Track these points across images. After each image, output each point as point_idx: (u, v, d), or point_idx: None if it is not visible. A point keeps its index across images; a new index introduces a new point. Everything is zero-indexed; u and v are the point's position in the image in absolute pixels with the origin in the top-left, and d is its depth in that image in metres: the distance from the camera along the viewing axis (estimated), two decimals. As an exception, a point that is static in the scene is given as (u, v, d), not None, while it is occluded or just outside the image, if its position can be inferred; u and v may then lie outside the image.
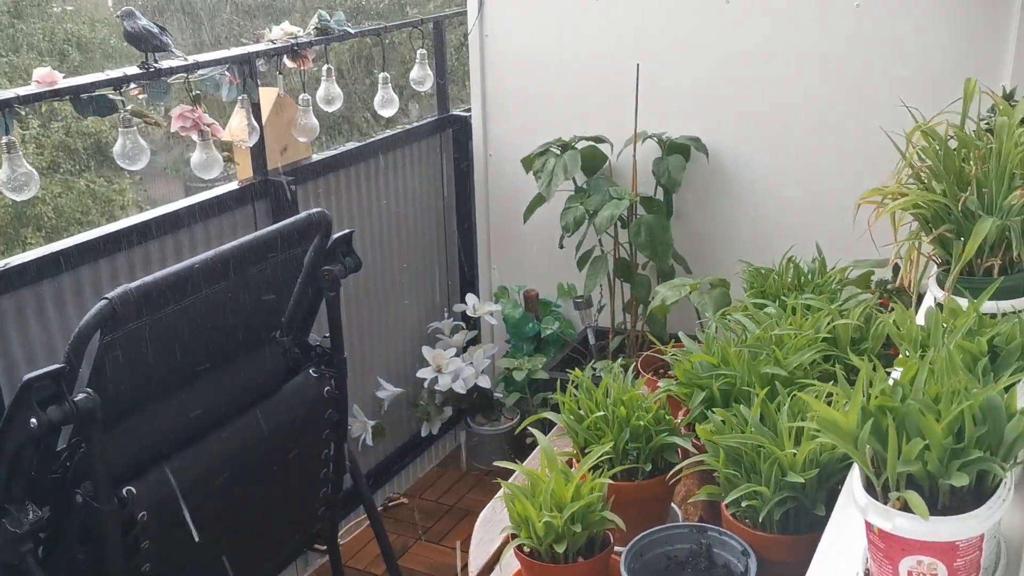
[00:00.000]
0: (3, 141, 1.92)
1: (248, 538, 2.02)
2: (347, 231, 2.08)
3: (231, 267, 1.80)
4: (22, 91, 1.96)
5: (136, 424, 1.75)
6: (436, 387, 3.14)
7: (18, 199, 1.96)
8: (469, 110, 3.29)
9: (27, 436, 1.51)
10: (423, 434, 3.28)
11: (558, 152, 2.86)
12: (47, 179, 9.17)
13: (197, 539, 1.79)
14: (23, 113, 2.01)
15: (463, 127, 3.34)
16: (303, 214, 1.97)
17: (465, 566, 1.61)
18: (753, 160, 2.86)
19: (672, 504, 1.40)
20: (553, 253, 3.04)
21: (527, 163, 2.91)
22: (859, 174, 2.14)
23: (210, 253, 1.75)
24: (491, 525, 1.47)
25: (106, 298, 1.54)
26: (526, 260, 3.29)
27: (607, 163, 2.96)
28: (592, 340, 3.12)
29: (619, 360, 1.60)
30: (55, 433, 1.60)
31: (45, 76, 2.02)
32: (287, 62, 2.64)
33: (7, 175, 1.93)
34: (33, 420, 1.49)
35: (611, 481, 1.27)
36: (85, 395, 1.54)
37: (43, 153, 9.33)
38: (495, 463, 1.46)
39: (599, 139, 2.95)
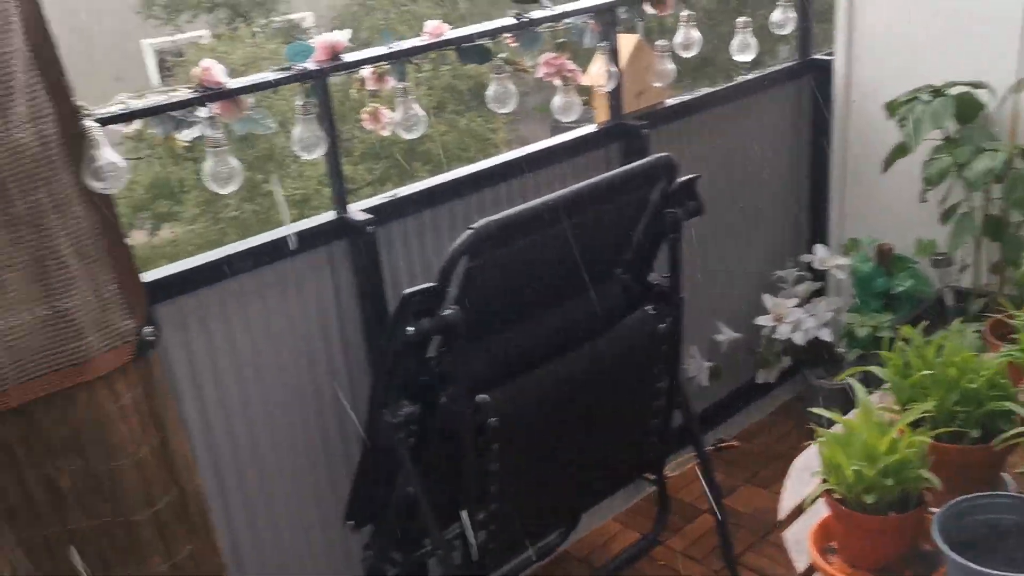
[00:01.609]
0: (400, 86, 2.21)
1: (581, 456, 2.20)
2: (692, 176, 2.15)
3: (580, 205, 1.95)
4: (416, 42, 2.24)
5: (492, 341, 1.98)
6: (775, 336, 3.13)
7: (408, 137, 2.26)
8: (831, 53, 3.17)
9: (404, 342, 1.78)
10: (759, 381, 3.30)
11: (928, 99, 2.68)
12: (435, 119, 10.14)
13: (538, 450, 2.00)
14: (415, 62, 2.30)
15: (823, 72, 3.23)
16: (650, 158, 2.07)
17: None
18: None
19: (1004, 474, 1.34)
20: (912, 206, 2.87)
21: (891, 108, 2.77)
22: None
23: (562, 192, 1.92)
24: (805, 471, 1.49)
25: (472, 228, 1.76)
26: (882, 212, 3.14)
27: (983, 111, 2.72)
28: (950, 302, 2.92)
29: (958, 320, 1.53)
30: (427, 341, 1.87)
31: (434, 28, 2.28)
32: (648, 8, 2.73)
33: (401, 116, 2.23)
34: (409, 328, 1.76)
35: (933, 441, 1.25)
36: (452, 311, 1.78)
37: (432, 94, 10.31)
38: (810, 410, 1.48)
39: (977, 84, 2.72)
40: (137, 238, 9.69)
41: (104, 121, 1.76)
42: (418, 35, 2.29)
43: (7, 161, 1.61)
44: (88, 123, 1.71)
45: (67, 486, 1.82)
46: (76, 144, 1.70)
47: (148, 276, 1.91)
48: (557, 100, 2.49)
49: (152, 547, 1.93)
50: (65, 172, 1.69)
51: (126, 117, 1.82)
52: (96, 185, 1.72)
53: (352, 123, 7.94)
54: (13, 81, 1.60)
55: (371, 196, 2.39)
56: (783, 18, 3.04)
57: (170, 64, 11.85)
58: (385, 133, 2.25)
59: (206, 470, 2.10)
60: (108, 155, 1.72)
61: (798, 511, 1.46)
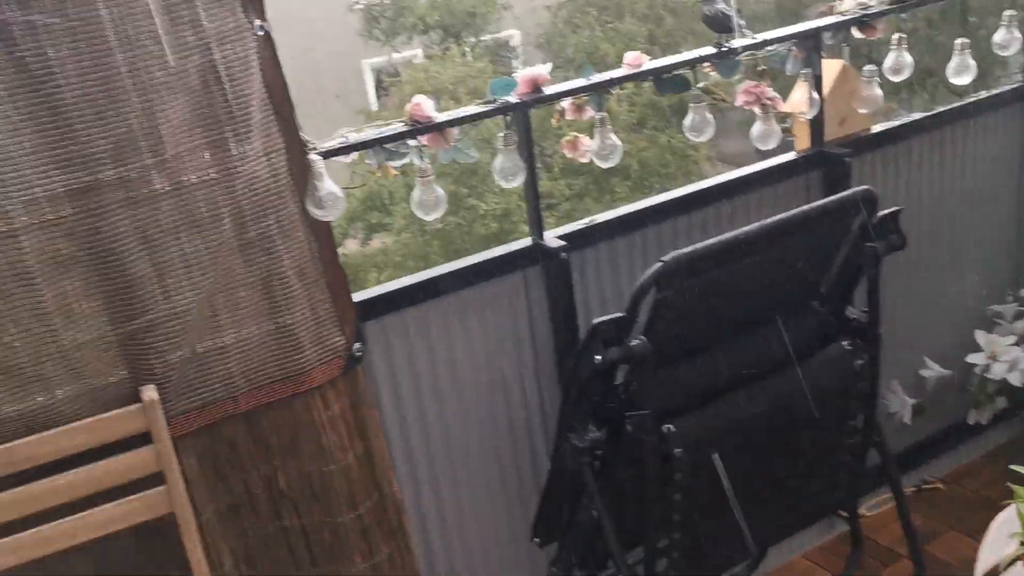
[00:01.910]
0: (597, 116, 2.27)
1: (768, 490, 2.17)
2: (894, 209, 2.08)
3: (775, 239, 1.94)
4: (614, 74, 2.29)
5: (680, 370, 2.00)
6: (989, 375, 2.94)
7: (604, 166, 2.32)
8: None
9: (592, 369, 1.84)
10: (970, 422, 3.11)
11: None
12: (635, 135, 10.17)
13: (724, 482, 2.00)
14: (613, 92, 2.35)
15: (1052, 93, 3.02)
16: (848, 191, 2.02)
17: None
18: None
19: None
20: None
21: None
22: None
23: (755, 226, 1.91)
24: (1006, 528, 1.42)
25: (662, 261, 1.79)
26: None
27: None
28: None
29: None
30: (615, 369, 1.91)
31: (633, 59, 2.33)
32: (856, 32, 2.65)
33: (598, 145, 2.28)
34: (598, 356, 1.81)
35: None
36: (639, 341, 1.82)
37: (634, 111, 10.34)
38: (1010, 467, 1.40)
39: None
40: (350, 247, 10.30)
41: (326, 154, 1.92)
42: (622, 52, 2.33)
43: (244, 191, 1.80)
44: (312, 156, 1.88)
45: (284, 487, 2.00)
46: (301, 175, 1.87)
47: (358, 296, 2.06)
48: (756, 128, 2.47)
49: (354, 547, 2.08)
50: (291, 201, 1.86)
51: (345, 150, 1.97)
52: (317, 213, 1.89)
53: (553, 139, 8.12)
54: (251, 120, 1.79)
55: (570, 211, 2.46)
56: (1007, 39, 2.86)
57: (386, 84, 12.52)
58: (583, 160, 2.32)
59: (403, 479, 2.23)
60: (328, 186, 1.89)
61: (994, 572, 1.39)
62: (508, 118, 2.13)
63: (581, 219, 2.43)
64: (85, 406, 1.76)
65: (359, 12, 12.08)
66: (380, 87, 12.99)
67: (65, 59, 1.59)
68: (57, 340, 1.70)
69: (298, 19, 10.98)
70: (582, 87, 2.22)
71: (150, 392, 1.77)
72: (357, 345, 2.00)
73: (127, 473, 1.77)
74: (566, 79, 2.28)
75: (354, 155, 2.03)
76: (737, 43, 2.41)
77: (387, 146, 2.04)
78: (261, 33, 1.78)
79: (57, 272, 1.67)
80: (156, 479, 1.79)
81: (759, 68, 2.49)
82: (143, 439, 1.78)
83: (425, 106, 2.02)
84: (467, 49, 11.21)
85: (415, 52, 12.36)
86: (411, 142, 2.05)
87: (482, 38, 12.09)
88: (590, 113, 2.28)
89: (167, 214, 1.73)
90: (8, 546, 1.70)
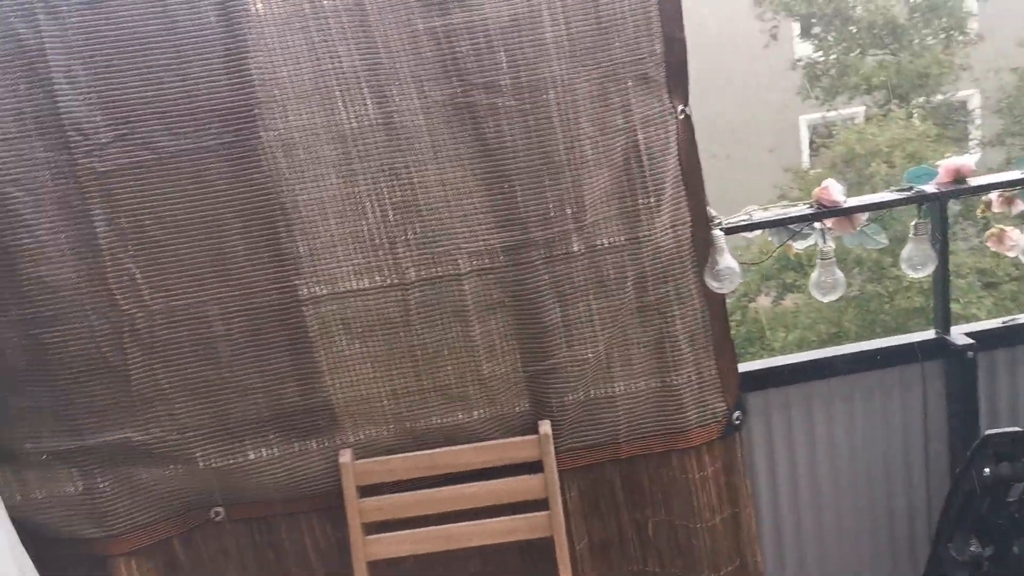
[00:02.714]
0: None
1: None
2: None
3: None
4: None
5: None
6: None
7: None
8: None
9: (979, 481, 1.74)
10: None
11: None
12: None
13: None
14: None
15: None
16: None
17: None
18: None
19: None
20: None
21: None
22: None
23: None
24: None
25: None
26: None
27: None
28: None
29: None
30: (1006, 485, 1.79)
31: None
32: None
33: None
34: (987, 469, 1.71)
35: None
36: (1040, 462, 1.69)
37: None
38: None
39: None
40: (761, 303, 10.23)
41: (730, 230, 2.03)
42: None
43: (649, 259, 1.97)
44: (716, 232, 2.00)
45: (651, 535, 2.14)
46: (703, 247, 2.00)
47: (744, 367, 2.14)
48: None
49: (711, 607, 2.15)
50: (691, 271, 2.00)
51: (749, 227, 2.07)
52: (714, 285, 2.01)
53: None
54: (663, 194, 1.96)
55: (1015, 292, 2.32)
56: None
57: (817, 144, 12.26)
58: (1010, 255, 2.18)
59: (767, 550, 2.25)
60: (727, 261, 2.00)
61: None
62: (923, 208, 2.08)
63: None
64: (493, 429, 2.04)
65: (801, 69, 11.98)
66: (812, 146, 12.75)
67: (517, 136, 1.88)
68: (479, 369, 2.00)
69: (743, 74, 11.20)
70: (1011, 181, 2.10)
71: (546, 427, 2.00)
72: (737, 413, 2.08)
73: (518, 494, 2.02)
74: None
75: (758, 232, 2.12)
76: None
77: (791, 226, 2.10)
78: (682, 117, 1.95)
79: (487, 312, 1.97)
80: (541, 504, 2.02)
81: None
82: (534, 467, 2.02)
83: (832, 190, 2.05)
84: (913, 111, 10.60)
85: (856, 111, 11.95)
86: (816, 225, 2.09)
87: (932, 98, 11.35)
88: (1021, 207, 2.15)
89: (580, 273, 1.96)
90: (417, 537, 2.03)
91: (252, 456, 2.00)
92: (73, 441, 1.93)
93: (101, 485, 1.96)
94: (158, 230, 1.85)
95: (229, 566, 2.07)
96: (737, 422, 2.09)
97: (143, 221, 1.84)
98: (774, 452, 2.22)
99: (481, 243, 1.93)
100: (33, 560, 1.87)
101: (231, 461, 1.99)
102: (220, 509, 2.04)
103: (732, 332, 2.07)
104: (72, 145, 1.79)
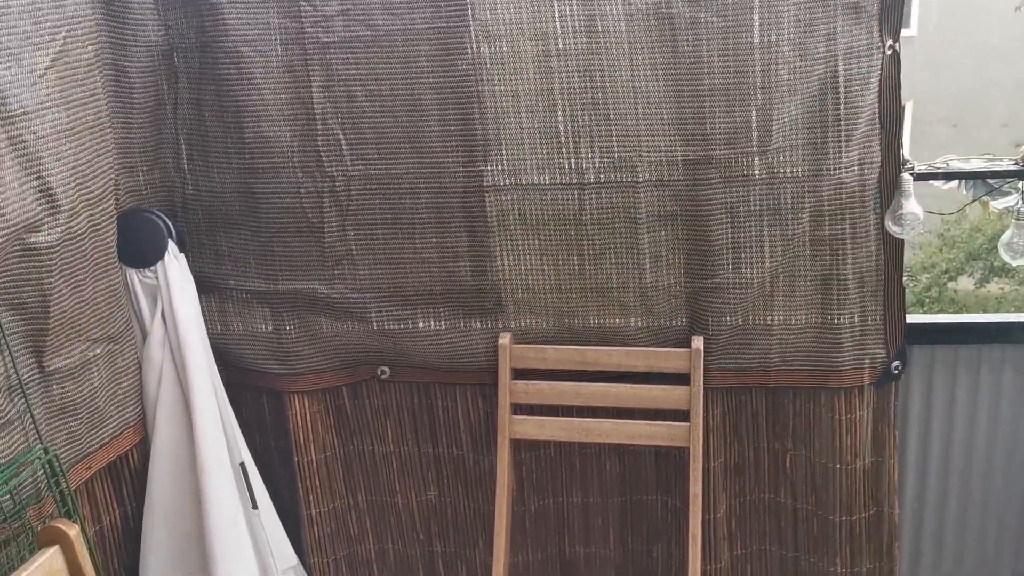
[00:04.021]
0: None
1: None
2: None
3: None
4: None
5: None
6: None
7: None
8: None
9: None
10: None
11: None
12: None
13: None
14: None
15: None
16: None
17: None
18: None
19: None
20: None
21: None
22: None
23: None
24: None
25: None
26: None
27: None
28: None
29: None
30: None
31: None
32: None
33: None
34: None
35: None
36: None
37: None
38: None
39: None
40: (963, 284, 9.64)
41: (920, 176, 1.98)
42: None
43: (830, 194, 1.95)
44: (905, 175, 1.95)
45: (788, 468, 2.16)
46: (888, 190, 1.96)
47: (913, 318, 2.09)
48: None
49: (837, 550, 2.16)
50: (872, 212, 1.97)
51: (941, 176, 2.01)
52: (893, 229, 1.97)
53: None
54: (855, 131, 1.93)
55: None
56: None
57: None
58: None
59: (907, 503, 2.22)
60: (912, 206, 1.95)
61: None
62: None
63: None
64: (648, 337, 2.11)
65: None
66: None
67: (714, 52, 1.90)
68: (642, 278, 2.06)
69: (985, 39, 10.40)
70: None
71: (699, 342, 2.05)
72: (896, 363, 2.05)
73: (661, 402, 2.09)
74: None
75: (953, 184, 2.05)
76: None
77: (990, 181, 2.02)
78: (889, 53, 1.90)
79: (658, 223, 2.02)
80: (683, 417, 2.08)
81: None
82: (682, 381, 2.07)
83: (1043, 149, 1.95)
84: None
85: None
86: (1021, 184, 2.00)
87: None
88: None
89: (757, 197, 1.97)
90: (560, 424, 2.14)
91: (421, 325, 2.16)
92: (268, 285, 2.16)
93: (288, 328, 2.18)
94: (366, 102, 2.00)
95: (388, 421, 2.26)
96: (895, 372, 2.05)
97: (354, 92, 2.00)
98: (931, 410, 2.18)
99: (663, 154, 1.97)
100: (224, 383, 2.11)
101: (401, 326, 2.16)
102: (386, 369, 2.22)
103: (923, 309, 2.02)
104: (303, 14, 1.96)
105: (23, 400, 1.66)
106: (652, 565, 2.27)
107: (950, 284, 9.05)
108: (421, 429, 2.25)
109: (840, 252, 1.99)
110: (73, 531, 1.36)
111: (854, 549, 2.16)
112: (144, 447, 2.02)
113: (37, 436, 1.68)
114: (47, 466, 1.65)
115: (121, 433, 1.95)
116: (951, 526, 2.24)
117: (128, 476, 2.01)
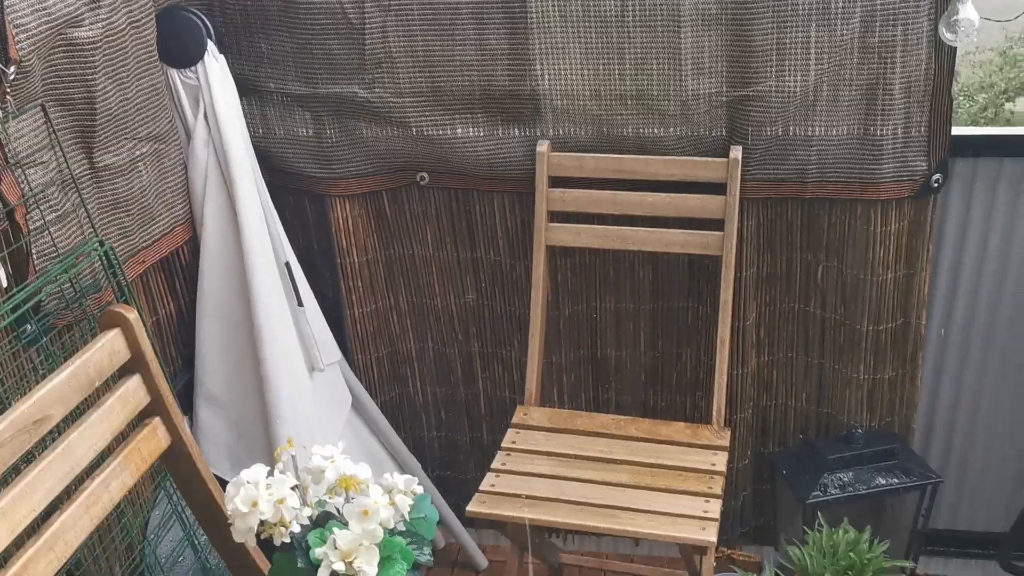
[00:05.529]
0: None
1: None
2: None
3: None
4: None
5: None
6: None
7: None
8: None
9: None
10: None
11: None
12: None
13: None
14: None
15: None
16: None
17: None
18: None
19: None
20: None
21: None
22: None
23: None
24: None
25: None
26: None
27: None
28: None
29: None
30: None
31: None
32: None
33: None
34: None
35: None
36: None
37: None
38: None
39: None
40: (1020, 106, 9.27)
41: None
42: None
43: None
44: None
45: (820, 279, 2.19)
46: (946, -4, 1.88)
47: (957, 130, 2.05)
48: None
49: (861, 357, 2.22)
50: (926, 18, 1.90)
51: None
52: (947, 36, 1.91)
53: None
54: (915, -72, 1.83)
55: None
56: None
57: None
58: None
59: (935, 313, 2.25)
60: (968, 11, 1.87)
61: None
62: None
63: None
64: (686, 147, 2.10)
65: None
66: None
67: None
68: (682, 85, 2.03)
69: None
70: None
71: (736, 152, 2.04)
72: (937, 176, 2.03)
73: (697, 211, 2.11)
74: None
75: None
76: None
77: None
78: None
79: (702, 26, 1.97)
80: (718, 226, 2.10)
81: None
82: (718, 190, 2.08)
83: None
84: None
85: None
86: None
87: None
88: None
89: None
90: (595, 232, 2.18)
91: (460, 132, 2.17)
92: (308, 88, 2.16)
93: (328, 132, 2.20)
94: None
95: (427, 226, 2.31)
96: (936, 185, 2.04)
97: None
98: (968, 223, 2.16)
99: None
100: (267, 185, 2.16)
101: (440, 132, 2.17)
102: (425, 175, 2.25)
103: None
104: None
105: (76, 194, 1.72)
106: (681, 368, 2.35)
107: (1007, 105, 8.69)
108: (460, 234, 2.30)
109: (889, 60, 1.94)
110: (132, 315, 1.44)
111: (878, 357, 2.22)
112: (194, 244, 2.10)
113: (92, 229, 1.76)
114: (103, 257, 1.73)
115: (171, 231, 2.02)
116: (976, 342, 2.27)
117: (180, 272, 2.10)
